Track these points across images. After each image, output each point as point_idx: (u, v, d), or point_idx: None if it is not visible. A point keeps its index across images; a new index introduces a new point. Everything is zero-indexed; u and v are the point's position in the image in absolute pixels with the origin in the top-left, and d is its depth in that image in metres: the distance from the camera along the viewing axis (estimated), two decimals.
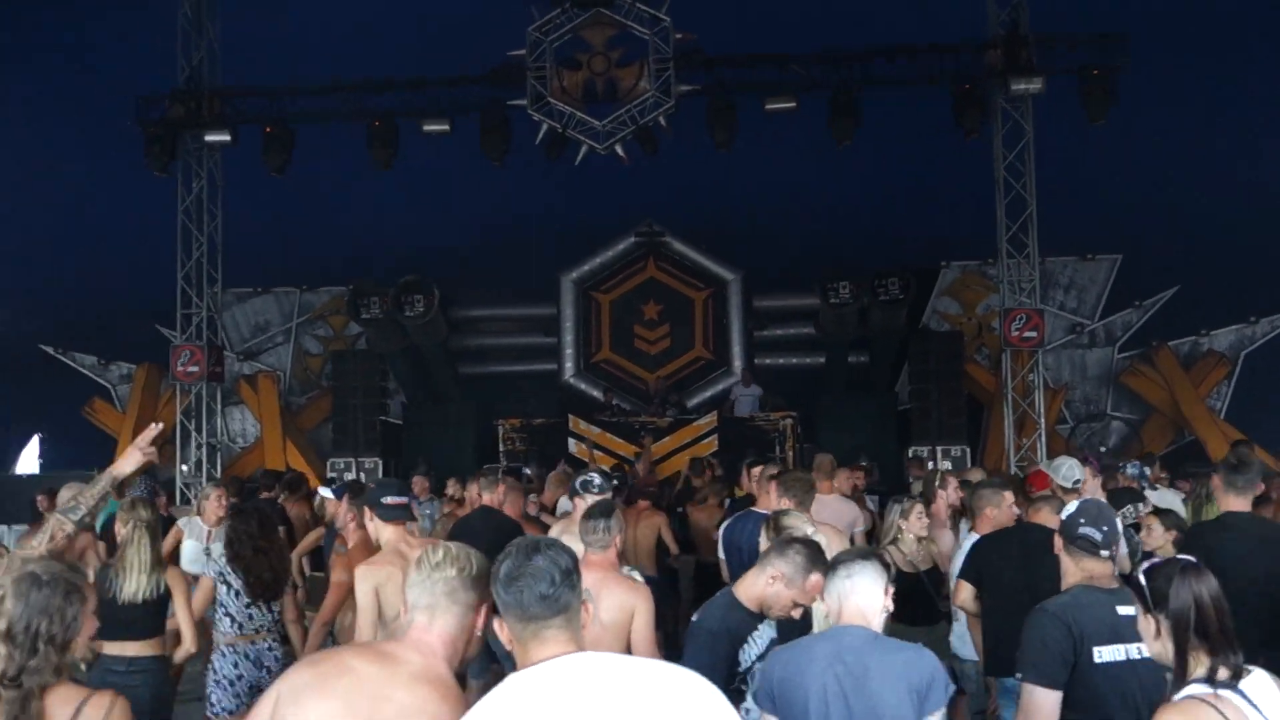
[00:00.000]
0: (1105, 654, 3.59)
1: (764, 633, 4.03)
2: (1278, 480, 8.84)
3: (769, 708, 3.48)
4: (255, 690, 5.74)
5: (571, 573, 2.38)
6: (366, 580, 4.91)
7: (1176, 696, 2.88)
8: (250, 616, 5.85)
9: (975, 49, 15.76)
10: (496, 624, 2.42)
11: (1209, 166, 19.08)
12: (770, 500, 6.32)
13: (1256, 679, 2.83)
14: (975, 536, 6.25)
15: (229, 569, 5.88)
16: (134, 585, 5.30)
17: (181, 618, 5.44)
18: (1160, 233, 19.10)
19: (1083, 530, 3.78)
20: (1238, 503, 5.27)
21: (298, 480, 12.09)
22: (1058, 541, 3.88)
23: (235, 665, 5.76)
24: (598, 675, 2.19)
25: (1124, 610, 3.62)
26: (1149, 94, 16.67)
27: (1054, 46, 15.53)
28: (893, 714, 3.31)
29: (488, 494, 7.51)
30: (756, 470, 8.91)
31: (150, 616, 5.35)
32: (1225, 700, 2.78)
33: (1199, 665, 2.86)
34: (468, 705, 2.35)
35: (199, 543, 8.03)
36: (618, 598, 4.60)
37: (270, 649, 5.87)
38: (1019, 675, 3.64)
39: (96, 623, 3.18)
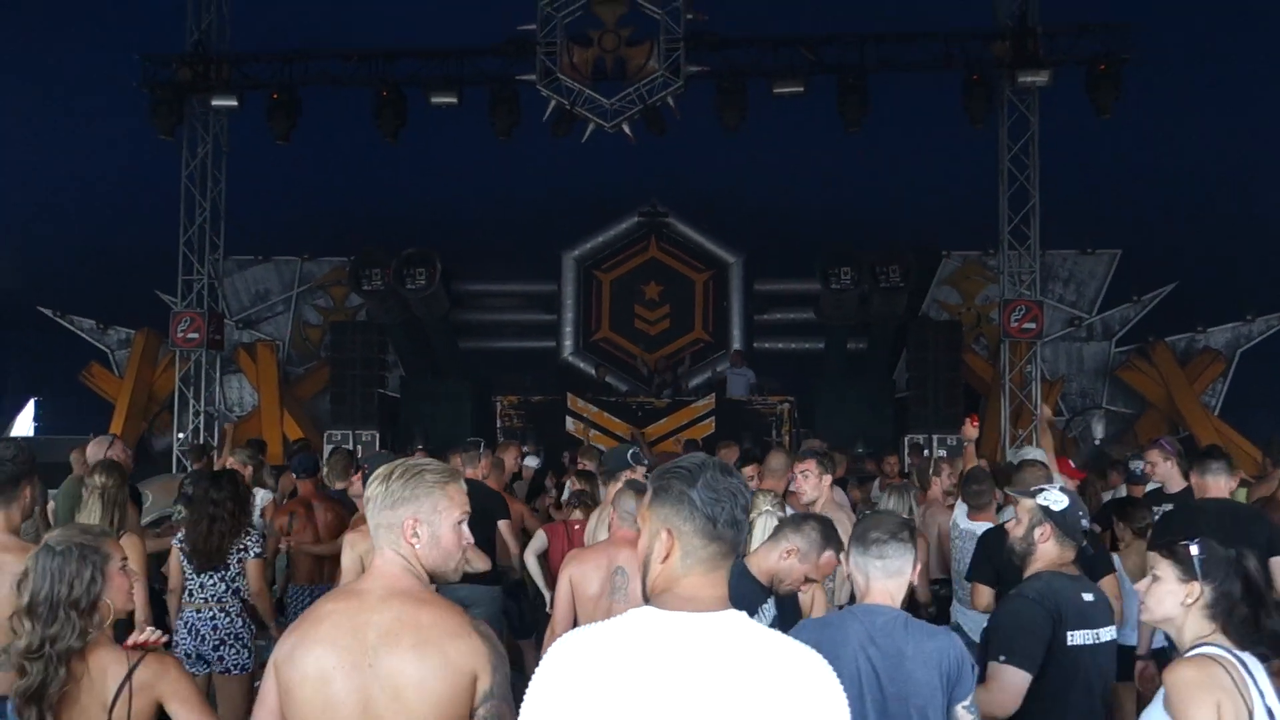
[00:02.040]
0: (1076, 638, 3.68)
1: (769, 609, 4.02)
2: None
3: None
4: (193, 659, 5.72)
5: (749, 509, 2.25)
6: (354, 548, 5.33)
7: (1190, 653, 3.07)
8: (201, 585, 5.81)
9: (984, 38, 15.77)
10: (663, 538, 2.15)
11: (1210, 164, 19.12)
12: (770, 482, 6.39)
13: (1252, 662, 3.04)
14: (972, 523, 6.36)
15: (184, 535, 5.93)
16: None
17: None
18: (1160, 228, 19.18)
19: (1085, 523, 3.92)
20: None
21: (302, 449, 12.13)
22: (1046, 530, 3.89)
23: (176, 632, 5.77)
24: (745, 647, 2.03)
25: (1087, 596, 3.78)
26: (1154, 89, 16.69)
27: (1061, 38, 15.55)
28: (925, 699, 3.27)
29: (470, 467, 7.56)
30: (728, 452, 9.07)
31: None
32: (1233, 664, 2.98)
33: (1213, 636, 3.09)
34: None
35: None
36: None
37: (211, 619, 5.78)
38: (1000, 658, 3.66)
39: (127, 579, 3.23)
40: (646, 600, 2.18)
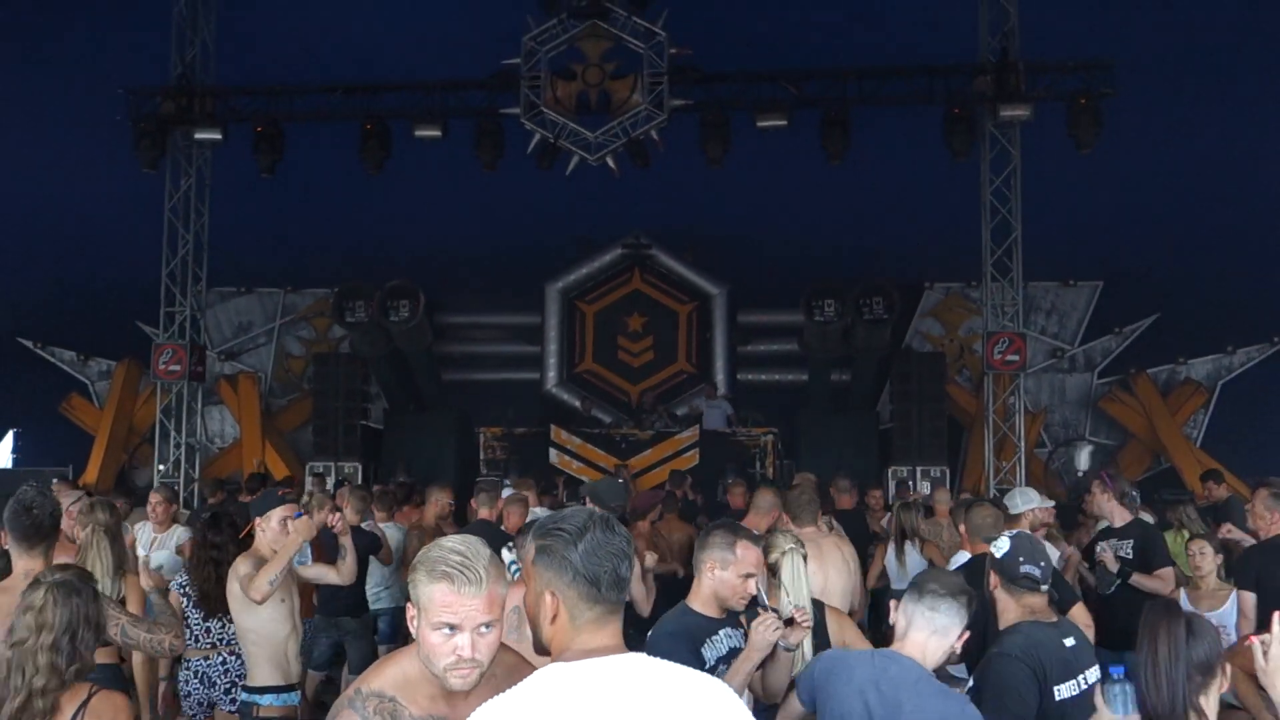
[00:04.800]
0: (1063, 691, 3.60)
1: (724, 639, 3.91)
2: None
3: (807, 701, 3.44)
4: (206, 706, 5.61)
5: (633, 567, 2.29)
6: None
7: None
8: (208, 630, 5.69)
9: (966, 72, 15.91)
10: (547, 600, 2.19)
11: (1191, 196, 19.29)
12: (755, 518, 6.33)
13: None
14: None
15: (187, 579, 5.75)
16: None
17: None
18: (1142, 261, 19.28)
19: (1025, 569, 3.79)
20: None
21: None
22: (993, 579, 3.86)
23: (186, 681, 5.65)
24: (652, 682, 2.08)
25: (1069, 642, 3.70)
26: (1134, 123, 16.86)
27: (1043, 74, 15.70)
28: None
29: (485, 509, 7.49)
30: (739, 489, 9.14)
31: None
32: None
33: None
34: None
35: (143, 550, 7.96)
36: None
37: (222, 663, 5.66)
38: None
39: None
40: (541, 653, 2.22)
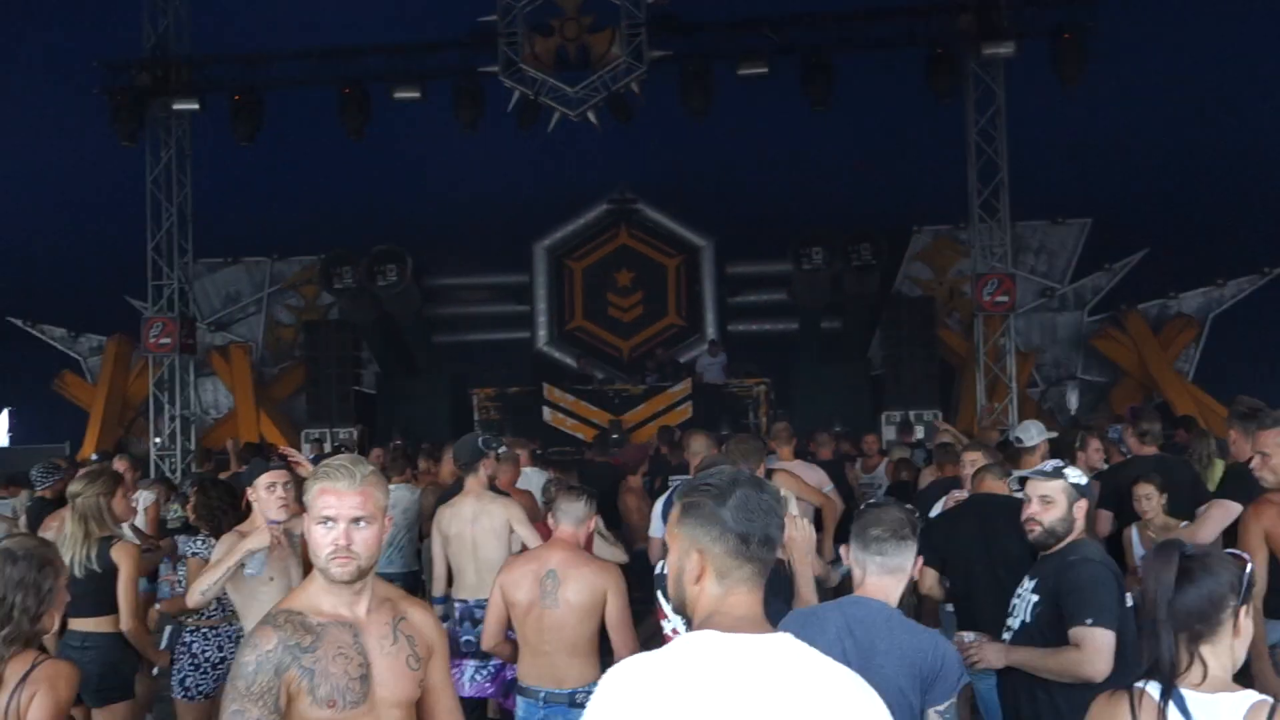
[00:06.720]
0: (1128, 599, 3.79)
1: None
2: None
3: None
4: (190, 692, 5.38)
5: (784, 525, 2.20)
6: None
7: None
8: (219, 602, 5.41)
9: (948, 11, 15.75)
10: (694, 559, 2.11)
11: (1178, 130, 19.22)
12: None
13: (1225, 702, 2.39)
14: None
15: (203, 545, 5.60)
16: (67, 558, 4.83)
17: (121, 595, 5.10)
18: (1129, 196, 19.25)
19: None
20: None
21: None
22: (1083, 504, 3.98)
23: (219, 649, 5.42)
24: (800, 670, 1.99)
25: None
26: (1118, 57, 16.75)
27: (1026, 9, 15.54)
28: (893, 698, 2.97)
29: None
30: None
31: (94, 592, 5.00)
32: (1146, 697, 2.45)
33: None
34: None
35: None
36: (588, 579, 4.54)
37: (217, 640, 5.45)
38: (1088, 620, 3.66)
39: (68, 596, 3.36)
40: (679, 615, 2.19)
